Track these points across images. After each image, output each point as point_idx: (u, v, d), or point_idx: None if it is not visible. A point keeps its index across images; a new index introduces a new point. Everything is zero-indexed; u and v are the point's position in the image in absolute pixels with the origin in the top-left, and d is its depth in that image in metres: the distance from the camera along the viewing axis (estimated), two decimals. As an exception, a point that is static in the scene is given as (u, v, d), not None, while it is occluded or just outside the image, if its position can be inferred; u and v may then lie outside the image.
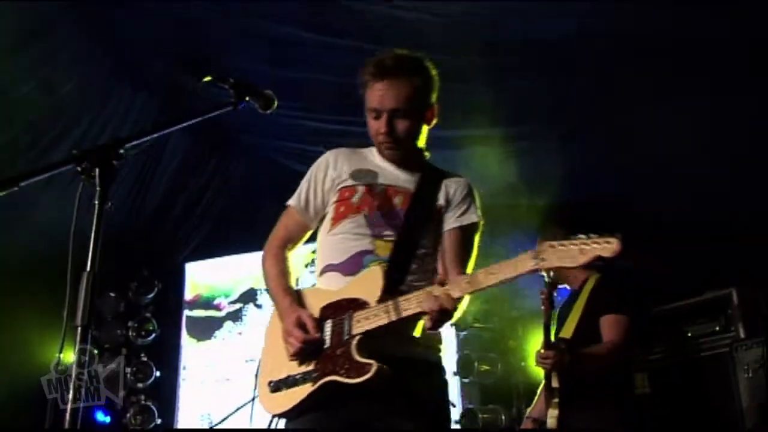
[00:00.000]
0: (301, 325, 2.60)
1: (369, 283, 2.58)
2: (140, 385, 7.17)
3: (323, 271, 2.80)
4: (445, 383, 2.77)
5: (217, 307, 7.36)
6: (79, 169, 2.01)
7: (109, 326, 7.24)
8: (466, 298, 2.50)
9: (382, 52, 2.80)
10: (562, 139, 5.69)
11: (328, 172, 2.89)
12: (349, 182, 2.83)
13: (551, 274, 4.32)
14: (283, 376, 2.63)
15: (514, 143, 5.79)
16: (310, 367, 2.57)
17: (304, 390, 2.56)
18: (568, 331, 4.13)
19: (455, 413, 5.99)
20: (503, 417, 6.12)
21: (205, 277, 7.51)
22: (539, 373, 4.77)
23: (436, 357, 2.74)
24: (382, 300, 2.51)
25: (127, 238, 6.64)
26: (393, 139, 2.76)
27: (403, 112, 2.73)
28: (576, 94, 5.29)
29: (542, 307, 4.08)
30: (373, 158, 2.90)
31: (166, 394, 7.31)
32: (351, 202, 2.79)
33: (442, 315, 2.39)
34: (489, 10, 4.65)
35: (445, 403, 2.80)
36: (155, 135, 2.38)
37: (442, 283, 2.42)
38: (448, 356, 6.61)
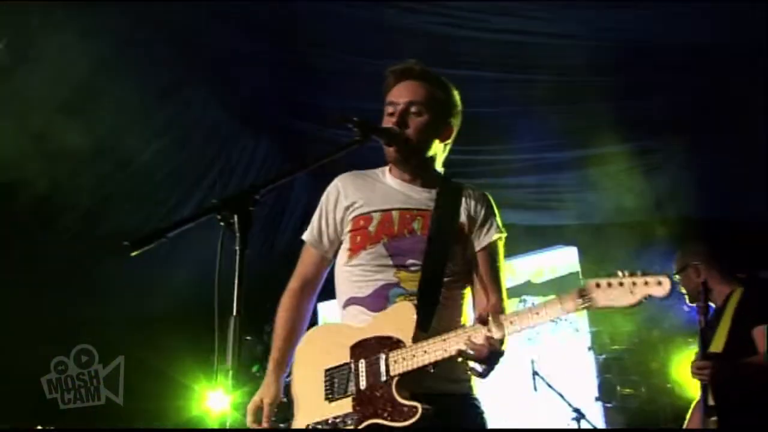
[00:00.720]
0: (255, 410, 2.74)
1: (400, 321, 2.47)
2: (282, 425, 7.30)
3: (346, 305, 2.72)
4: (482, 415, 2.61)
5: (351, 346, 7.40)
6: (218, 216, 2.04)
7: (248, 368, 7.44)
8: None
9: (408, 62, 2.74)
10: (688, 152, 5.51)
11: (339, 200, 2.80)
12: (363, 209, 2.72)
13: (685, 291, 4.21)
14: (319, 418, 2.56)
15: (641, 158, 5.66)
16: (349, 409, 2.48)
17: None
18: (717, 346, 3.97)
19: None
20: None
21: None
22: (687, 393, 4.58)
23: (467, 389, 2.61)
24: (417, 338, 2.41)
25: (260, 281, 6.83)
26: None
27: (418, 107, 2.64)
28: (699, 105, 5.12)
29: (698, 323, 3.97)
30: (385, 179, 2.79)
31: (306, 433, 7.42)
32: (368, 231, 2.67)
33: (488, 361, 2.32)
34: (606, 33, 4.59)
35: None
36: (287, 178, 2.43)
37: (484, 321, 2.31)
38: (588, 381, 6.46)
